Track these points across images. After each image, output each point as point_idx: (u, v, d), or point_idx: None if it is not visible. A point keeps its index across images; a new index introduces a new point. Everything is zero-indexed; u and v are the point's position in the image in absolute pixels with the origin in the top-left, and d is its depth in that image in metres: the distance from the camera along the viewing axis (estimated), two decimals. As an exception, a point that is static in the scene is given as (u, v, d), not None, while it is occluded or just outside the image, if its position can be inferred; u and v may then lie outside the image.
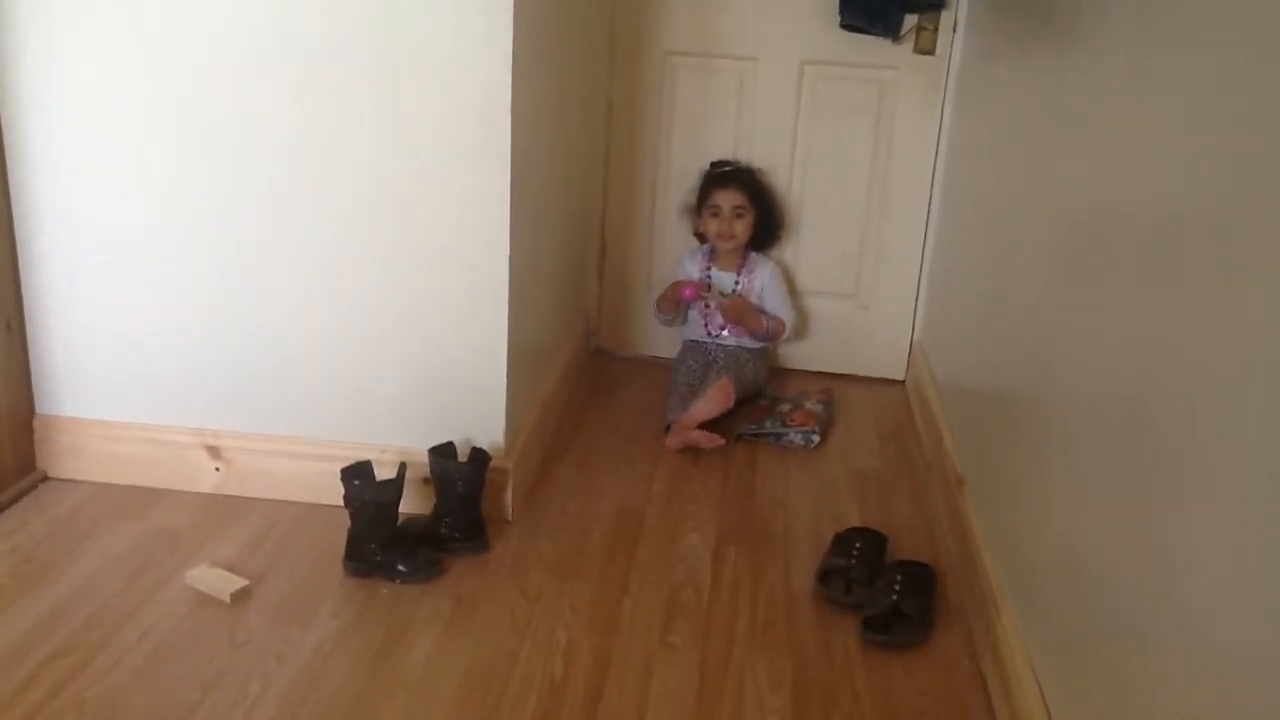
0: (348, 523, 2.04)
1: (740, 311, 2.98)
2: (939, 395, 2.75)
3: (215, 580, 1.96)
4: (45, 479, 2.30)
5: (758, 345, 3.06)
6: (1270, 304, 1.02)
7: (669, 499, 2.42)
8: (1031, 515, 1.77)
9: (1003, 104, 2.37)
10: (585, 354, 3.25)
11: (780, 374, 3.21)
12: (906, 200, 3.10)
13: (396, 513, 2.05)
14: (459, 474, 2.11)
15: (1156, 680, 1.21)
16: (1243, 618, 1.02)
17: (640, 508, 2.37)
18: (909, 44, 2.96)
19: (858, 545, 2.11)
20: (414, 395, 2.21)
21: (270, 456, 2.26)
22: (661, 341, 3.25)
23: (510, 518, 2.27)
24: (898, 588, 1.97)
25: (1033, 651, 1.66)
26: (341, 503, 2.03)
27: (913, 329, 3.21)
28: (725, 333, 3.04)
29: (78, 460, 2.30)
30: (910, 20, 2.93)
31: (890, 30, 2.91)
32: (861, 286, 3.20)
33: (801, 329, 3.19)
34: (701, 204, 3.03)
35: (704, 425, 2.65)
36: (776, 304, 3.05)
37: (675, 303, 2.99)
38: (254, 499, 2.27)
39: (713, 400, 2.66)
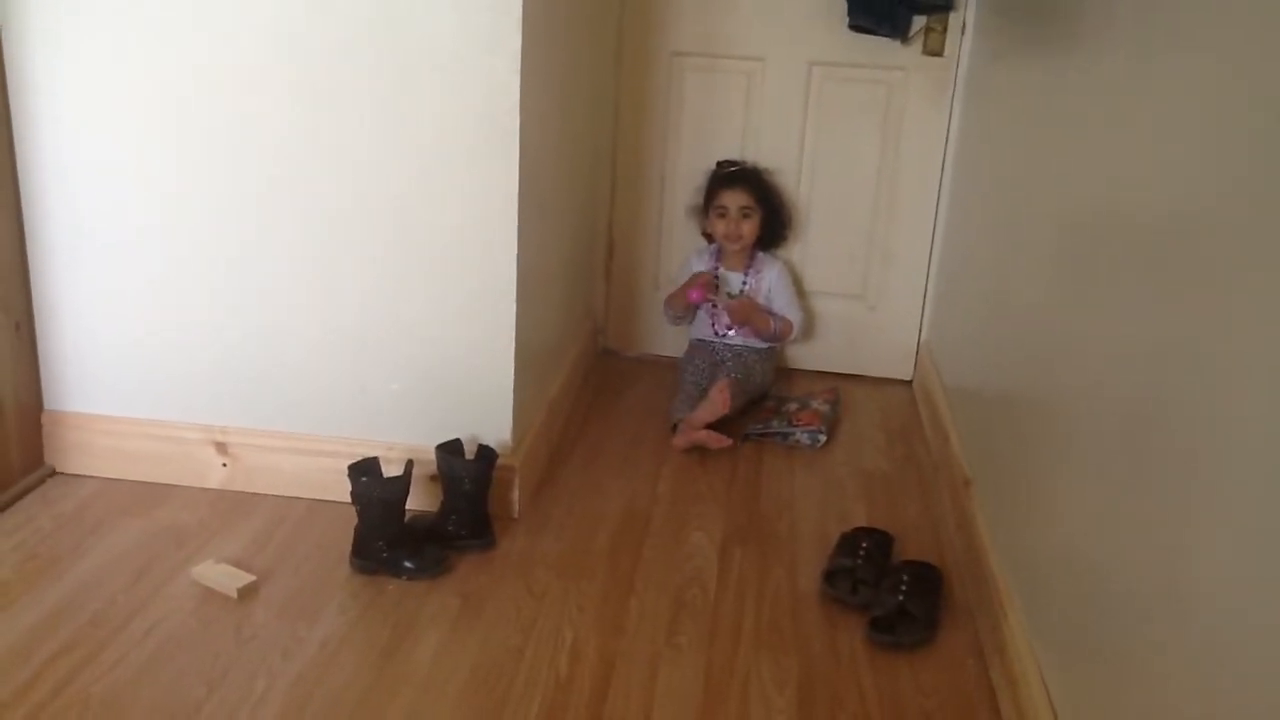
0: (354, 519, 2.04)
1: (748, 312, 2.97)
2: (946, 395, 2.75)
3: (222, 576, 1.96)
4: (53, 474, 2.31)
5: (765, 345, 3.06)
6: (1275, 303, 1.01)
7: (675, 498, 2.42)
8: (1038, 516, 1.77)
9: (1010, 105, 2.37)
10: (592, 353, 3.25)
11: (787, 374, 3.20)
12: (914, 201, 3.10)
13: (403, 510, 2.05)
14: (466, 471, 2.11)
15: (1163, 680, 1.21)
16: (1249, 618, 1.02)
17: (646, 507, 2.37)
18: (917, 45, 2.96)
19: (864, 545, 2.11)
20: (421, 392, 2.22)
21: (277, 453, 2.26)
22: (668, 341, 3.25)
23: (517, 516, 2.27)
24: (904, 588, 1.97)
25: (1039, 652, 1.66)
26: (349, 499, 2.03)
27: (920, 329, 3.21)
28: (732, 333, 3.04)
29: (85, 456, 2.30)
30: (918, 21, 2.93)
31: (898, 31, 2.91)
32: (869, 287, 3.20)
33: (808, 329, 3.19)
34: (708, 204, 3.03)
35: (711, 425, 2.65)
36: (784, 304, 3.05)
37: (685, 304, 2.99)
38: (261, 495, 2.27)
39: (712, 403, 2.65)
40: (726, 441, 2.64)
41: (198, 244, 2.16)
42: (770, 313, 3.02)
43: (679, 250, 3.20)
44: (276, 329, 2.20)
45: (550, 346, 2.63)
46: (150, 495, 2.25)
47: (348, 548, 2.05)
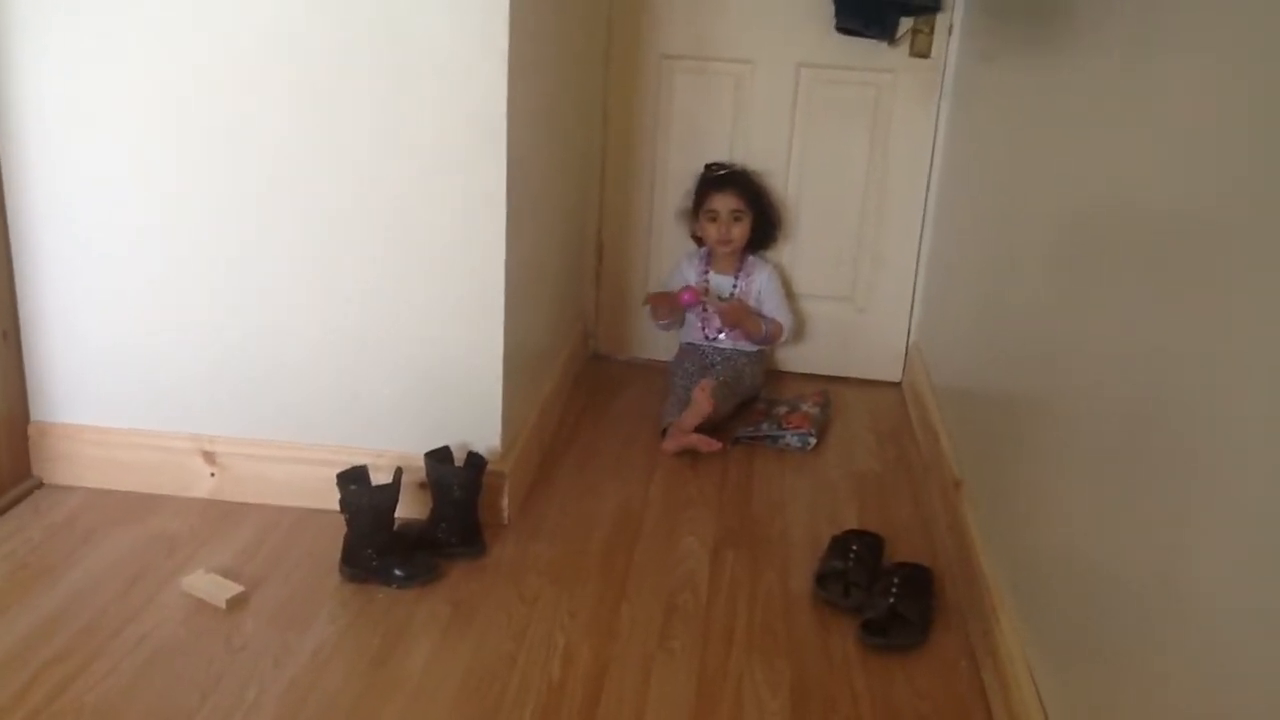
0: (344, 528, 2.03)
1: (738, 315, 2.98)
2: (936, 397, 2.75)
3: (211, 586, 1.95)
4: (41, 485, 2.30)
5: (755, 348, 3.06)
6: (1270, 302, 1.01)
7: (666, 503, 2.42)
8: (1030, 517, 1.77)
9: (998, 106, 2.38)
10: (582, 357, 3.25)
11: (777, 376, 3.21)
12: (903, 203, 3.10)
13: (393, 518, 2.04)
14: (455, 479, 2.10)
15: (1157, 683, 1.21)
16: (1244, 619, 1.02)
17: (638, 511, 2.36)
18: (905, 47, 2.97)
19: (855, 548, 2.11)
20: (411, 399, 2.21)
21: (266, 462, 2.25)
22: (659, 345, 3.25)
23: (507, 522, 2.26)
24: (895, 590, 1.97)
25: (1031, 654, 1.66)
26: (338, 508, 2.03)
27: (909, 331, 3.21)
28: (723, 336, 3.04)
29: (73, 466, 2.29)
30: (906, 23, 2.93)
31: (886, 33, 2.91)
32: (858, 289, 3.20)
33: (798, 332, 3.19)
34: (698, 208, 3.03)
35: (701, 428, 2.65)
36: (774, 307, 3.05)
37: (673, 308, 2.99)
38: (250, 504, 2.26)
39: (696, 405, 2.65)
40: (716, 445, 2.63)
41: (185, 253, 2.16)
42: (761, 316, 3.02)
43: (669, 253, 3.20)
44: (264, 337, 2.19)
45: (540, 351, 2.62)
46: (139, 505, 2.24)
47: (337, 556, 2.05)
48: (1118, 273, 1.45)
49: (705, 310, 3.01)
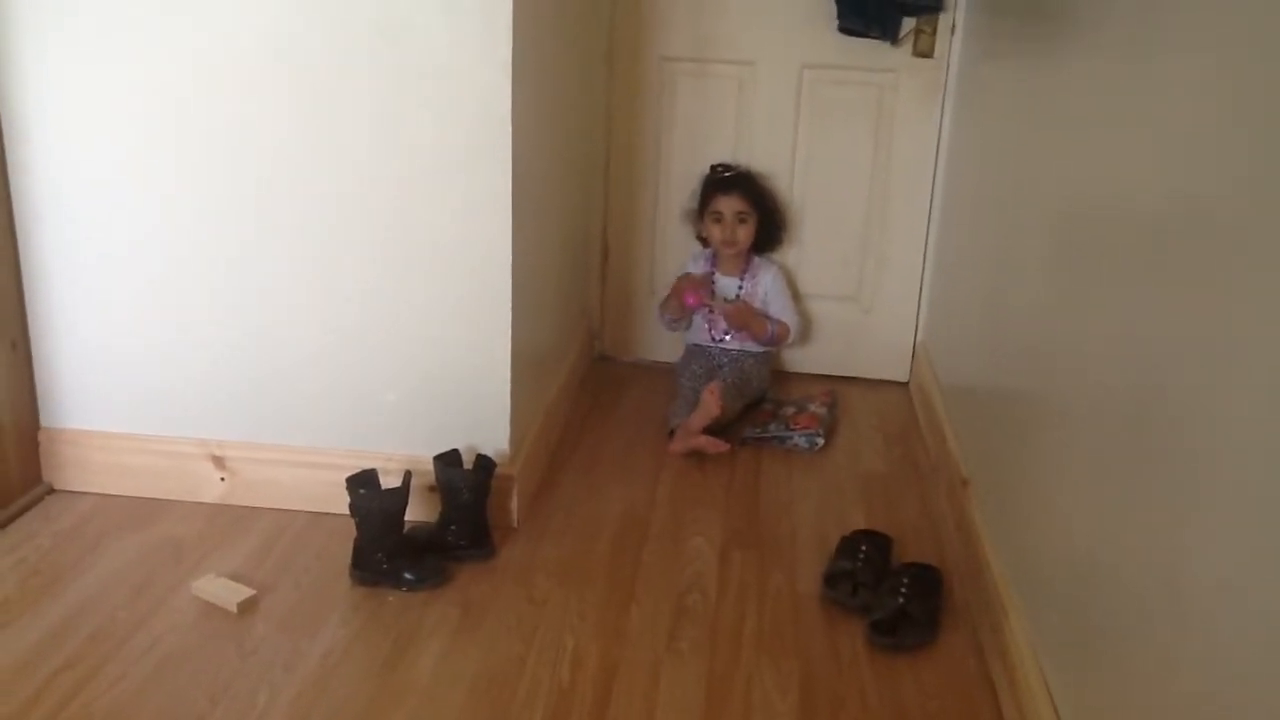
0: (354, 531, 2.04)
1: (745, 317, 2.98)
2: (942, 396, 2.75)
3: (222, 590, 1.96)
4: (51, 491, 2.31)
5: (761, 350, 3.06)
6: (1272, 301, 1.02)
7: (674, 504, 2.42)
8: (1037, 515, 1.77)
9: (1001, 105, 2.38)
10: (588, 360, 3.26)
11: (783, 377, 3.21)
12: (907, 202, 3.10)
13: (402, 521, 2.05)
14: (464, 481, 2.11)
15: (1165, 680, 1.21)
16: (1251, 617, 1.02)
17: (645, 513, 2.37)
18: (907, 47, 2.97)
19: (864, 548, 2.11)
20: (418, 403, 2.22)
21: (275, 466, 2.26)
22: (665, 346, 3.25)
23: (516, 524, 2.27)
24: (904, 590, 1.97)
25: (1040, 652, 1.66)
26: (347, 511, 2.03)
27: (915, 330, 3.21)
28: (729, 337, 3.04)
29: (83, 472, 2.30)
30: (908, 23, 2.93)
31: (888, 34, 2.91)
32: (864, 289, 3.20)
33: (804, 332, 3.19)
34: (703, 209, 3.03)
35: (708, 430, 2.65)
36: (780, 308, 3.05)
37: (680, 307, 2.99)
38: (260, 509, 2.27)
39: (704, 406, 2.65)
40: (724, 446, 2.64)
41: (192, 258, 2.16)
42: (767, 317, 3.02)
43: (674, 254, 3.20)
44: (272, 341, 2.20)
45: (546, 353, 2.63)
46: (149, 510, 2.25)
47: (347, 560, 2.05)
48: (1122, 272, 1.45)
49: (711, 312, 3.01)
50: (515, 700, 1.74)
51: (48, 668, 1.75)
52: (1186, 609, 1.16)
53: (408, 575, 2.01)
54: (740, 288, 3.05)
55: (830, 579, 2.07)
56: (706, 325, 3.06)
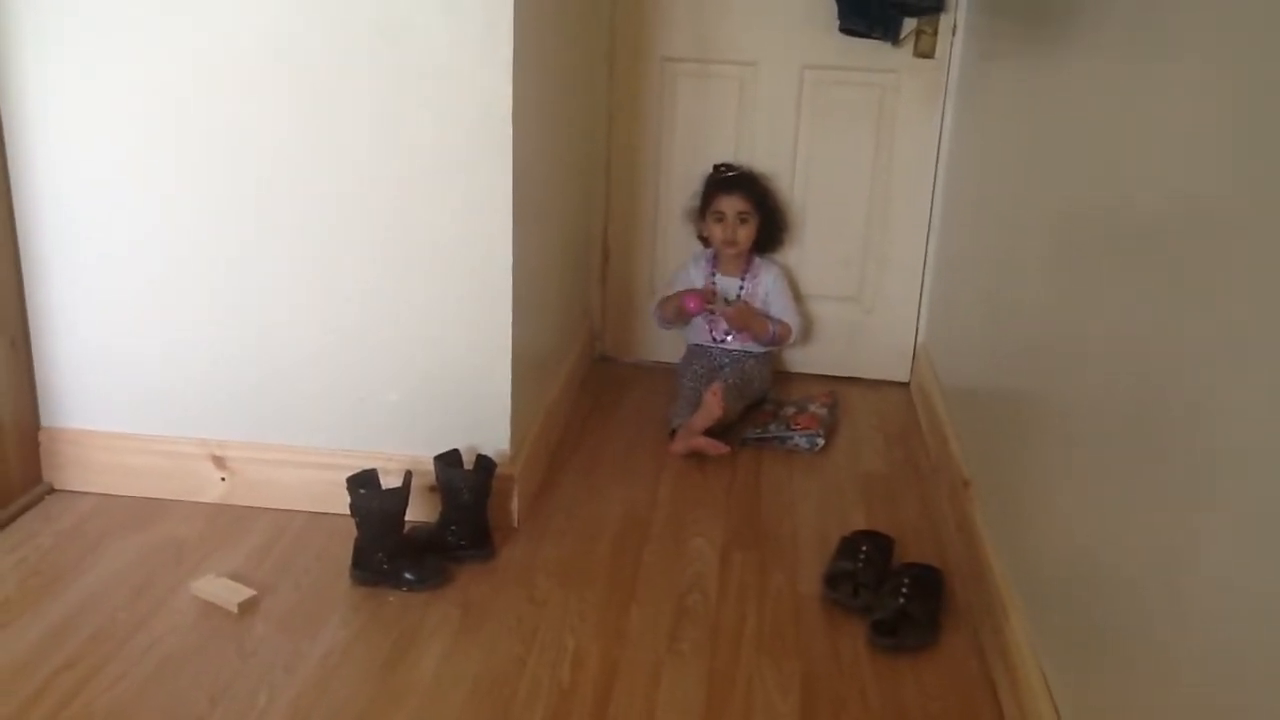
0: (354, 532, 2.04)
1: (746, 318, 2.98)
2: (943, 397, 2.75)
3: (222, 590, 1.96)
4: (51, 491, 2.31)
5: (762, 350, 3.06)
6: (1272, 297, 1.01)
7: (675, 504, 2.42)
8: (1038, 516, 1.77)
9: (1003, 105, 2.38)
10: (589, 360, 3.25)
11: (784, 377, 3.20)
12: (908, 203, 3.10)
13: (403, 521, 2.05)
14: (465, 482, 2.11)
15: (1166, 681, 1.21)
16: (1253, 618, 1.02)
17: (646, 513, 2.37)
18: (908, 48, 2.96)
19: (864, 548, 2.11)
20: (419, 403, 2.22)
21: (276, 466, 2.26)
22: (666, 347, 3.25)
23: (516, 525, 2.27)
24: (905, 591, 1.97)
25: (1041, 653, 1.66)
26: (348, 511, 2.03)
27: (916, 331, 3.21)
28: (730, 338, 3.04)
29: (83, 472, 2.30)
30: (909, 24, 2.93)
31: (889, 34, 2.91)
32: (865, 289, 3.20)
33: (806, 333, 3.19)
34: (705, 208, 3.03)
35: (710, 430, 2.65)
36: (781, 308, 3.05)
37: (680, 313, 2.99)
38: (260, 509, 2.27)
39: (706, 408, 2.65)
40: (724, 448, 2.63)
41: (192, 258, 2.16)
42: (768, 317, 3.02)
43: (674, 255, 3.20)
44: (273, 341, 2.20)
45: (547, 354, 2.63)
46: (149, 510, 2.24)
47: (348, 560, 2.05)
48: (1123, 272, 1.45)
49: (713, 313, 3.01)
50: (516, 701, 1.74)
51: (48, 667, 1.75)
52: (1188, 609, 1.16)
53: (408, 575, 2.01)
54: (741, 288, 3.05)
55: (831, 580, 2.07)
56: (708, 326, 3.06)
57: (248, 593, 1.96)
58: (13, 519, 2.19)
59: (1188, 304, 1.23)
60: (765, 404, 2.94)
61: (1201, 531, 1.14)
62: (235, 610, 1.92)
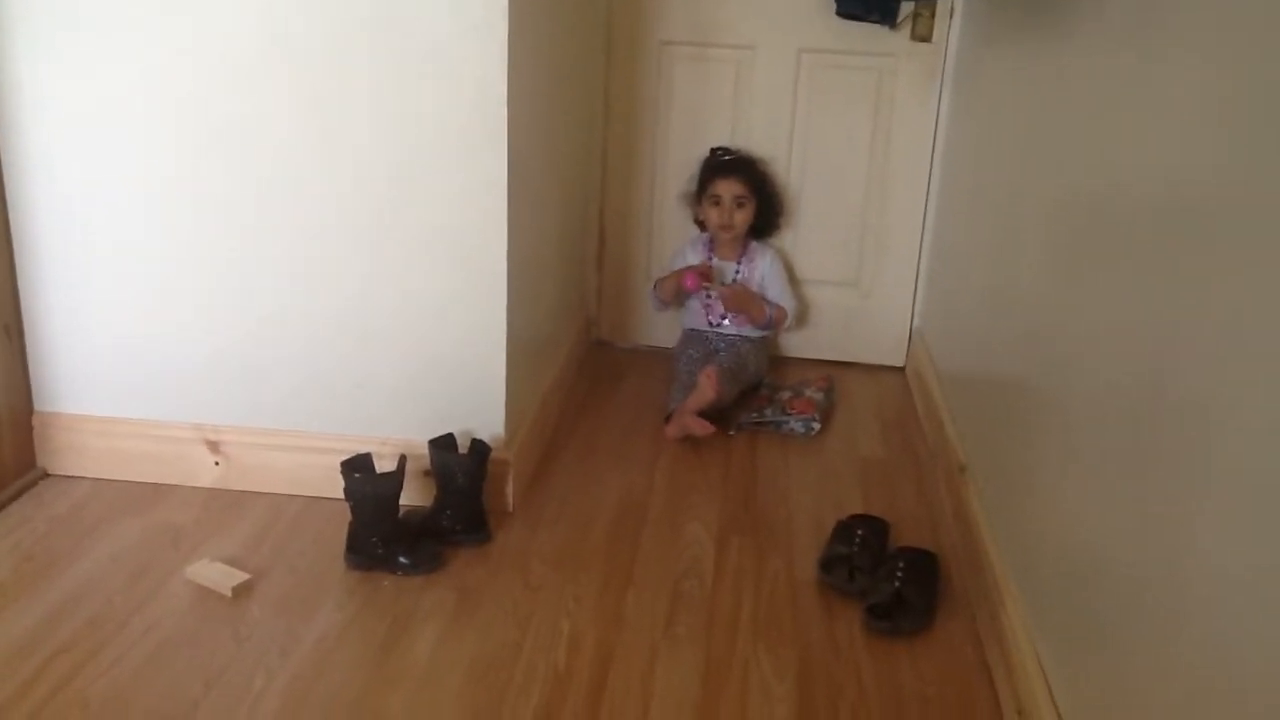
0: (349, 516, 2.03)
1: (742, 300, 2.97)
2: (939, 382, 2.75)
3: (217, 575, 1.96)
4: (45, 476, 2.30)
5: (758, 334, 3.05)
6: (1271, 285, 1.01)
7: (671, 489, 2.42)
8: (1034, 501, 1.77)
9: (1000, 89, 2.37)
10: (585, 345, 3.25)
11: (780, 362, 3.20)
12: (905, 187, 3.09)
13: (398, 505, 2.04)
14: (459, 466, 2.10)
15: (1162, 666, 1.21)
16: (1249, 604, 1.02)
17: (642, 498, 2.36)
18: (906, 31, 2.95)
19: (860, 533, 2.11)
20: (414, 388, 2.21)
21: (270, 450, 2.25)
22: (662, 331, 3.25)
23: (512, 509, 2.26)
24: (900, 575, 1.97)
25: (1037, 638, 1.66)
26: (342, 496, 2.03)
27: (912, 316, 3.21)
28: (727, 322, 3.04)
29: (78, 457, 2.30)
30: (907, 7, 2.92)
31: (887, 18, 2.90)
32: (861, 274, 3.20)
33: (802, 317, 3.19)
34: (702, 192, 3.02)
35: (704, 414, 2.64)
36: (777, 292, 3.05)
37: (677, 291, 2.99)
38: (255, 493, 2.26)
39: (700, 390, 2.65)
40: (710, 428, 2.62)
41: (187, 242, 2.15)
42: (765, 301, 3.02)
43: (671, 239, 3.19)
44: (267, 325, 2.19)
45: (543, 338, 2.62)
46: (143, 495, 2.24)
47: (342, 545, 2.05)
48: (1120, 258, 1.45)
49: (709, 296, 3.01)
50: (511, 685, 1.73)
51: (43, 652, 1.75)
52: (1184, 596, 1.16)
53: (403, 560, 2.01)
54: (737, 271, 3.04)
55: (827, 564, 2.07)
56: (704, 309, 3.05)
57: (242, 577, 1.95)
58: (7, 504, 2.18)
59: (1185, 291, 1.22)
60: (761, 388, 2.94)
61: (1198, 518, 1.14)
62: (230, 595, 1.92)
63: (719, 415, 2.70)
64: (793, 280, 3.15)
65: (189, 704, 1.65)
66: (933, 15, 2.93)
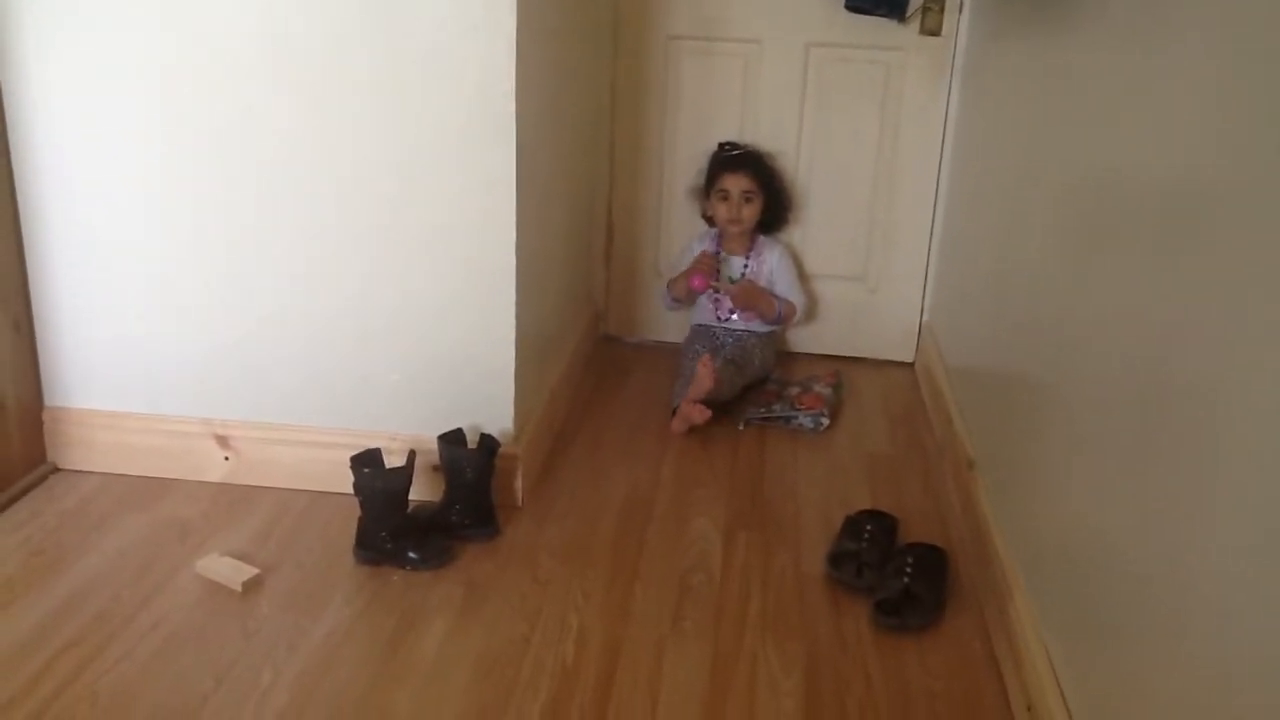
0: (358, 511, 2.04)
1: (751, 296, 2.97)
2: (948, 377, 2.74)
3: (226, 569, 1.96)
4: (55, 470, 2.31)
5: (766, 329, 3.05)
6: (1278, 274, 1.01)
7: (679, 484, 2.41)
8: (1043, 496, 1.77)
9: (1009, 83, 2.36)
10: (593, 340, 3.25)
11: (788, 357, 3.20)
12: (914, 182, 3.09)
13: (406, 500, 2.05)
14: (468, 461, 2.10)
15: (1171, 659, 1.21)
16: (1257, 597, 1.02)
17: (650, 493, 2.36)
18: (915, 25, 2.94)
19: (868, 528, 2.11)
20: (423, 382, 2.21)
21: (279, 445, 2.26)
22: (670, 326, 3.24)
23: (520, 504, 2.26)
24: (909, 570, 1.97)
25: (1045, 633, 1.65)
26: (351, 491, 2.03)
27: (921, 311, 3.20)
28: (735, 317, 3.03)
29: (87, 452, 2.30)
30: (915, 1, 2.91)
31: (896, 11, 2.89)
32: (870, 269, 3.19)
33: (810, 312, 3.18)
34: (710, 187, 3.02)
35: (706, 405, 2.64)
36: (786, 287, 3.04)
37: (688, 290, 2.98)
38: (264, 488, 2.27)
39: (699, 379, 2.64)
40: (708, 413, 2.62)
41: (195, 237, 2.16)
42: (774, 296, 3.01)
43: (679, 234, 3.19)
44: (275, 320, 2.19)
45: (551, 333, 2.62)
46: (152, 490, 2.25)
47: (351, 539, 2.05)
48: (1129, 252, 1.44)
49: (717, 293, 3.00)
50: (519, 679, 1.74)
51: (52, 647, 1.75)
52: (1192, 589, 1.16)
53: (412, 555, 2.01)
54: (746, 266, 3.04)
55: (835, 559, 2.07)
56: (713, 305, 3.05)
57: (251, 572, 1.96)
58: (17, 498, 2.19)
59: (1194, 283, 1.22)
60: (769, 383, 2.94)
61: (1205, 511, 1.14)
62: (239, 589, 1.92)
63: (721, 408, 2.69)
64: (801, 275, 3.14)
65: (197, 699, 1.65)
66: (942, 9, 2.92)
